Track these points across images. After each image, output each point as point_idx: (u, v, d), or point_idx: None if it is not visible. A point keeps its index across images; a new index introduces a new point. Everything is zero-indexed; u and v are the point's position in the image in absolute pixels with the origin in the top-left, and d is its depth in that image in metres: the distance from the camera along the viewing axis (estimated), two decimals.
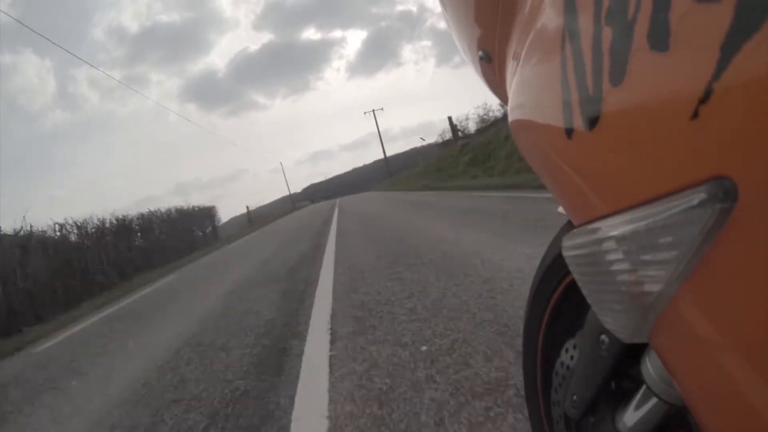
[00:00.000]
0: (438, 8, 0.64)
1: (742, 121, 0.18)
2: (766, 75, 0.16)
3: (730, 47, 0.17)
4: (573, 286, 0.53)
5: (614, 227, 0.26)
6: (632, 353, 0.41)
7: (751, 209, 0.18)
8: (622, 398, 0.43)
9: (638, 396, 0.37)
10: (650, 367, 0.34)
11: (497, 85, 0.51)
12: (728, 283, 0.20)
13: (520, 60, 0.38)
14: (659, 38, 0.21)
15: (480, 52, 0.52)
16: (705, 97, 0.19)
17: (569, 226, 0.38)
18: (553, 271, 0.55)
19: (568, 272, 0.52)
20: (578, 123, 0.28)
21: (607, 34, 0.24)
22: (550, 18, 0.31)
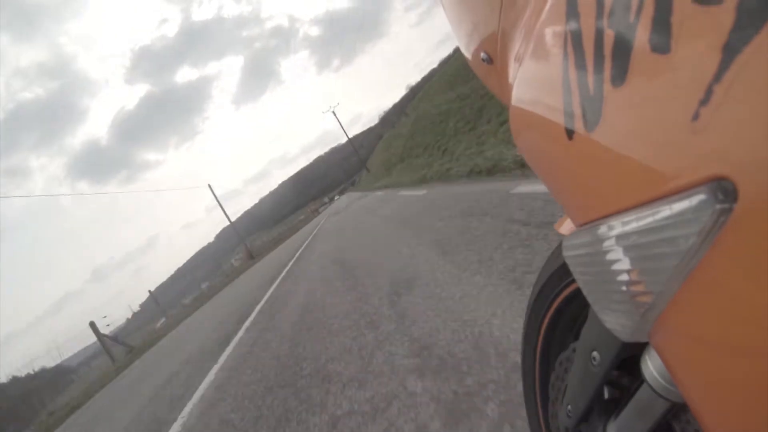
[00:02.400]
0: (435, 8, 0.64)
1: (743, 122, 0.18)
2: (766, 77, 0.16)
3: (731, 49, 0.17)
4: (567, 302, 0.54)
5: (615, 227, 0.27)
6: (623, 365, 0.42)
7: (751, 210, 0.18)
8: (615, 407, 0.43)
9: (638, 394, 0.37)
10: (650, 365, 0.34)
11: (499, 87, 0.51)
12: (728, 283, 0.20)
13: (522, 61, 0.38)
14: (660, 40, 0.21)
15: (482, 54, 0.52)
16: (706, 99, 0.19)
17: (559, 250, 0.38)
18: (549, 287, 0.56)
19: (563, 288, 0.53)
20: (579, 124, 0.28)
21: (609, 35, 0.24)
22: (552, 20, 0.31)
